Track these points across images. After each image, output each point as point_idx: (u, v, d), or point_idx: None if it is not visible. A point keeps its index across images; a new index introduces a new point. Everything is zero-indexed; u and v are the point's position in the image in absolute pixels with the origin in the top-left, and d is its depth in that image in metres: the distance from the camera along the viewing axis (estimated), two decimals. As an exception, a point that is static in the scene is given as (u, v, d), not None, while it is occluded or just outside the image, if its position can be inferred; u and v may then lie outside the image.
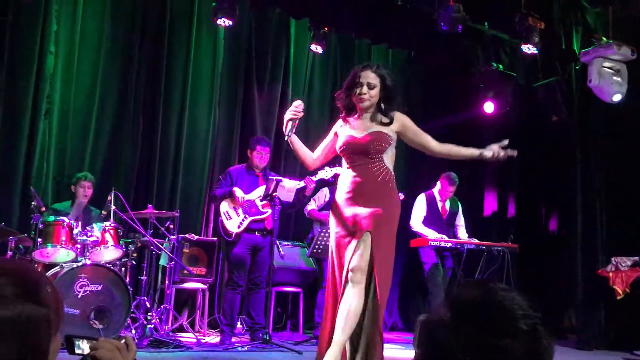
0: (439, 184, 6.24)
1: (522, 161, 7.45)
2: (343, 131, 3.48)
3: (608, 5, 6.24)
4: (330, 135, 3.59)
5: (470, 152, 3.49)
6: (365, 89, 3.37)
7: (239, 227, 5.26)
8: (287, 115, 3.47)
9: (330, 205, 3.53)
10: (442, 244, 5.81)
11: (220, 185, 5.45)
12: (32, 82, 5.54)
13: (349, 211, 3.31)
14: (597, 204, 6.32)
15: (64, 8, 5.82)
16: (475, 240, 6.01)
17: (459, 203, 6.38)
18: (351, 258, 3.20)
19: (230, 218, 5.28)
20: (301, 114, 3.47)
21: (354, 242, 3.24)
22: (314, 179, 5.12)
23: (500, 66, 6.98)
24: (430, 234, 5.96)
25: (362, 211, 3.26)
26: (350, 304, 3.16)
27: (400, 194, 6.07)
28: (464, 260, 5.79)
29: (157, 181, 6.18)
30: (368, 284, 3.20)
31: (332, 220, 3.43)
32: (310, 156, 3.59)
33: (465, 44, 6.87)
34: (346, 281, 3.21)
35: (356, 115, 3.48)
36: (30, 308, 0.91)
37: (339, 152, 3.47)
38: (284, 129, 3.49)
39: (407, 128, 3.46)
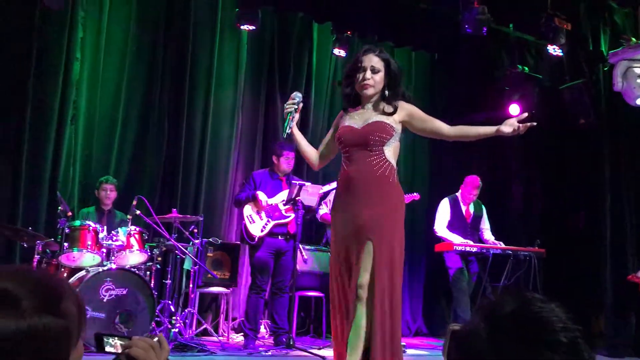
0: (462, 187, 6.17)
1: (548, 164, 7.35)
2: (344, 122, 3.16)
3: (637, 4, 6.12)
4: (333, 129, 3.27)
5: (487, 129, 3.17)
6: (368, 73, 3.06)
7: (262, 230, 5.25)
8: (285, 109, 3.17)
9: (332, 203, 3.27)
10: (467, 248, 5.73)
11: (244, 189, 5.46)
12: (59, 88, 5.62)
13: (347, 214, 3.00)
14: (626, 207, 6.19)
15: (90, 15, 5.90)
16: (501, 245, 5.92)
17: (482, 206, 6.30)
18: (358, 272, 2.89)
19: (254, 222, 5.28)
20: (298, 106, 3.15)
21: (359, 250, 2.92)
22: None
23: (526, 68, 6.89)
24: (455, 238, 5.88)
25: (362, 213, 2.94)
26: (361, 325, 2.86)
27: (415, 194, 6.08)
28: (489, 265, 5.71)
29: (181, 186, 6.22)
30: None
31: (333, 224, 3.16)
32: (315, 153, 3.28)
33: (490, 46, 6.80)
34: (355, 298, 2.90)
35: (359, 106, 3.16)
36: (48, 320, 0.89)
37: (337, 143, 3.16)
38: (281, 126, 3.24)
39: (414, 116, 3.12)
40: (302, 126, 6.88)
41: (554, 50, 6.27)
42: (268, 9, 6.48)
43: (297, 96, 3.17)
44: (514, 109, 6.96)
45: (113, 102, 6.05)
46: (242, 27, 6.16)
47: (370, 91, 3.08)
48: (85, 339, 1.04)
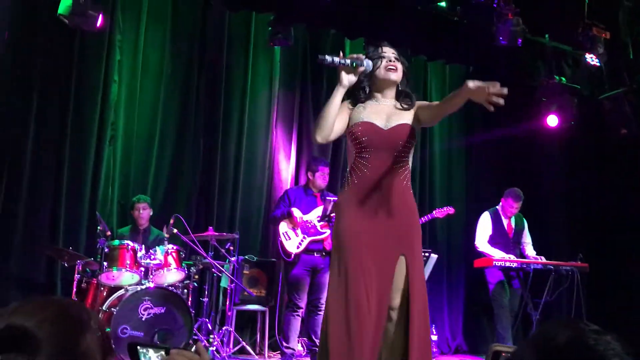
0: (503, 200, 6.04)
1: (590, 175, 7.17)
2: (360, 113, 2.82)
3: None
4: (342, 113, 2.83)
5: (457, 92, 2.68)
6: (392, 57, 2.88)
7: (297, 247, 5.24)
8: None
9: (339, 222, 2.80)
10: (507, 264, 5.60)
11: (279, 207, 5.46)
12: (97, 110, 5.74)
13: (373, 224, 2.70)
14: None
15: (127, 38, 6.03)
16: (543, 260, 5.77)
17: (524, 220, 6.15)
18: (388, 291, 2.63)
19: (289, 239, 5.27)
20: (357, 67, 2.74)
21: (389, 265, 2.67)
22: None
23: (563, 79, 6.76)
24: (497, 253, 5.75)
25: (393, 225, 2.70)
26: (397, 346, 2.66)
27: (449, 208, 5.97)
28: (530, 280, 5.57)
29: (217, 203, 6.26)
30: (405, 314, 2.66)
31: (351, 234, 2.72)
32: (333, 125, 2.75)
33: (526, 57, 6.70)
34: (388, 319, 2.66)
35: (373, 96, 2.89)
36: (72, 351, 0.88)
37: (351, 140, 2.80)
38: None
39: (421, 106, 2.90)
40: (336, 141, 6.88)
41: (592, 59, 6.14)
42: (300, 27, 6.52)
43: (366, 63, 2.78)
44: (551, 120, 6.83)
45: (150, 123, 6.14)
46: (275, 45, 6.21)
47: (394, 76, 2.86)
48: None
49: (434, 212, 5.87)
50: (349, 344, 2.57)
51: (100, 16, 5.11)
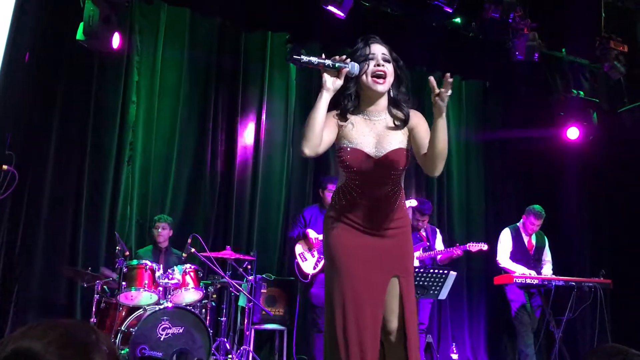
0: (524, 217, 5.96)
1: (612, 189, 7.07)
2: (349, 133, 2.55)
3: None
4: (330, 124, 2.54)
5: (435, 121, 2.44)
6: (381, 61, 2.50)
7: (314, 268, 5.22)
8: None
9: (329, 235, 2.60)
10: (528, 280, 5.51)
11: (295, 227, 5.46)
12: (116, 130, 5.81)
13: (366, 240, 2.54)
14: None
15: (145, 59, 6.10)
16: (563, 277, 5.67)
17: (545, 238, 6.07)
18: (380, 312, 2.49)
19: (306, 260, 5.26)
20: (341, 68, 2.45)
21: (382, 284, 2.52)
22: None
23: (581, 92, 6.70)
24: (519, 269, 5.67)
25: (385, 243, 2.55)
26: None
27: (483, 245, 5.85)
28: (552, 297, 5.47)
29: (235, 223, 6.26)
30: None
31: (341, 251, 2.54)
32: (320, 135, 2.45)
33: (543, 71, 6.66)
34: (386, 341, 2.55)
35: (361, 112, 2.58)
36: None
37: (340, 164, 2.57)
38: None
39: (418, 128, 2.56)
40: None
41: (610, 73, 6.08)
42: (316, 45, 6.55)
43: (352, 65, 2.46)
44: (572, 132, 6.76)
45: (168, 143, 6.19)
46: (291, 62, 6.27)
47: (382, 87, 2.51)
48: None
49: (467, 245, 5.75)
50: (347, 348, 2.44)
51: (116, 36, 5.18)
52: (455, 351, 6.41)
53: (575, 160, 7.39)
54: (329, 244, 2.58)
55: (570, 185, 7.49)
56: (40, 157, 5.43)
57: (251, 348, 5.39)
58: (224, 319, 5.15)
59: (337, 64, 2.42)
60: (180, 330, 4.60)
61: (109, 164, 5.76)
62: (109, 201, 5.72)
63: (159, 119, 6.16)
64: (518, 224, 6.01)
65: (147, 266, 4.82)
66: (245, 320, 5.47)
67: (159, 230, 5.45)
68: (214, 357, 4.90)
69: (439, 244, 5.93)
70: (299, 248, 5.31)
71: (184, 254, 5.12)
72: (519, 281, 5.49)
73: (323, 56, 2.45)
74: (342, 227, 2.56)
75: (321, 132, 2.44)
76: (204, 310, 5.08)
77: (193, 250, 5.02)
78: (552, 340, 5.71)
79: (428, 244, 5.81)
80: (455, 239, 6.79)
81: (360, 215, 2.55)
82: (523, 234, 5.96)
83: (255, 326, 5.54)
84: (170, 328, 4.57)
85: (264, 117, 6.57)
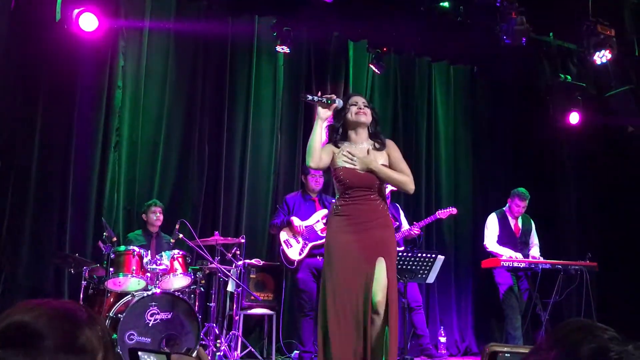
0: (509, 201, 6.01)
1: (598, 175, 7.12)
2: (341, 158, 3.44)
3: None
4: (328, 150, 3.47)
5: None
6: (362, 105, 3.49)
7: (300, 254, 5.25)
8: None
9: (329, 236, 3.46)
10: (515, 264, 5.56)
11: (279, 214, 5.47)
12: (102, 115, 5.76)
13: (357, 235, 3.34)
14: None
15: (130, 44, 6.04)
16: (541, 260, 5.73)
17: (531, 220, 6.12)
18: (370, 290, 3.23)
19: (291, 246, 5.29)
20: (331, 104, 3.39)
21: (370, 267, 3.27)
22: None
23: (569, 77, 6.72)
24: (506, 252, 5.72)
25: (372, 235, 3.34)
26: (380, 335, 3.23)
27: (452, 209, 5.92)
28: (539, 280, 5.53)
29: (223, 208, 6.25)
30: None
31: (336, 248, 3.37)
32: (320, 152, 3.40)
33: (531, 56, 6.67)
34: (374, 312, 3.24)
35: (350, 139, 3.50)
36: (67, 358, 0.87)
37: (336, 181, 3.46)
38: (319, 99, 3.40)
39: (390, 156, 3.51)
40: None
41: (598, 57, 6.10)
42: (303, 30, 6.51)
43: (338, 101, 3.43)
44: (573, 117, 6.75)
45: (154, 128, 6.14)
46: (278, 49, 6.22)
47: (363, 119, 3.46)
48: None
49: (436, 213, 5.83)
50: (340, 332, 3.20)
51: (92, 17, 5.13)
52: (443, 334, 6.46)
53: (563, 144, 7.43)
54: (328, 243, 3.42)
55: (558, 169, 7.53)
56: (25, 143, 5.38)
57: (240, 333, 5.41)
58: (212, 304, 5.16)
59: (329, 100, 3.38)
60: (169, 316, 4.60)
61: (95, 150, 5.71)
62: (95, 187, 5.68)
63: (145, 105, 6.11)
64: (504, 208, 6.06)
65: (135, 252, 4.80)
66: (234, 306, 5.48)
67: (157, 214, 5.43)
68: (203, 342, 4.92)
69: (404, 221, 5.95)
70: (283, 235, 5.34)
71: (172, 240, 5.11)
72: (507, 264, 5.54)
73: (320, 94, 3.46)
74: (337, 229, 3.39)
75: (320, 150, 3.38)
76: (192, 295, 5.08)
77: (181, 235, 5.01)
78: (539, 323, 5.78)
79: (397, 223, 5.82)
80: (442, 223, 6.83)
81: (352, 217, 3.36)
82: (509, 218, 6.01)
83: (244, 311, 5.56)
84: (158, 314, 4.58)
85: (252, 103, 6.53)
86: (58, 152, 5.58)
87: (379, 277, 3.25)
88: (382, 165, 3.44)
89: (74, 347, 0.88)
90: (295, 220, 5.29)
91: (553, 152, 7.51)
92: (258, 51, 6.65)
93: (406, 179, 3.45)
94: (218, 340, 5.02)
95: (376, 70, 6.74)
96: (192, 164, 6.23)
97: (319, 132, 3.37)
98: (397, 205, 6.09)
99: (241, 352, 5.38)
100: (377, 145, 3.49)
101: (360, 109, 3.47)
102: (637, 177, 6.73)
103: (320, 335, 3.28)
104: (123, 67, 5.95)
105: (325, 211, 5.35)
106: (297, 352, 5.52)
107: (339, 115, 3.47)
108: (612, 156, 6.89)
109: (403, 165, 3.48)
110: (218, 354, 4.83)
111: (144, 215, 5.51)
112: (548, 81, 6.74)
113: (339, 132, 3.49)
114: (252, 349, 5.48)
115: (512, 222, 6.01)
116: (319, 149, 3.36)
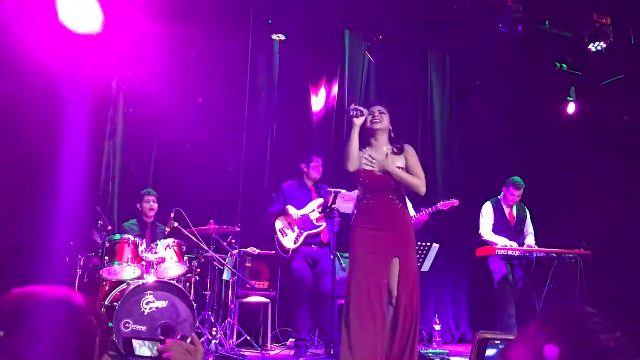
0: (504, 189, 6.02)
1: (594, 163, 7.13)
2: (363, 161, 3.83)
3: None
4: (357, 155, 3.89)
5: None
6: (377, 113, 3.87)
7: (295, 242, 5.26)
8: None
9: (353, 232, 3.77)
10: (510, 252, 5.58)
11: (275, 203, 5.47)
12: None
13: (378, 232, 3.69)
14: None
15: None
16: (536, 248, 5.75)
17: (526, 209, 6.13)
18: (388, 283, 3.62)
19: (286, 235, 5.29)
20: (362, 114, 3.81)
21: (387, 263, 3.65)
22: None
23: (564, 65, 6.71)
24: (502, 241, 5.74)
25: (391, 233, 3.69)
26: (399, 326, 3.59)
27: (453, 200, 5.94)
28: (533, 268, 5.55)
29: (219, 197, 6.24)
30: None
31: (357, 244, 3.71)
32: (357, 156, 3.79)
33: (526, 44, 6.65)
34: (392, 304, 3.63)
35: (369, 145, 3.89)
36: (66, 340, 0.88)
37: (358, 182, 3.84)
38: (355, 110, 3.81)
39: (408, 161, 3.85)
40: (337, 131, 6.85)
41: (593, 46, 6.09)
42: (298, 18, 6.48)
43: (366, 112, 3.84)
44: (570, 107, 6.75)
45: (149, 116, 6.11)
46: (273, 36, 6.19)
47: (378, 125, 3.85)
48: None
49: (438, 204, 5.84)
50: (360, 324, 3.54)
51: None
52: (438, 322, 6.49)
53: (558, 132, 7.43)
54: (353, 239, 3.75)
55: (553, 157, 7.54)
56: (16, 131, 5.34)
57: (235, 321, 5.42)
58: (208, 292, 5.16)
59: (360, 112, 3.80)
60: (164, 304, 4.61)
61: (90, 138, 5.68)
62: (89, 176, 5.65)
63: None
64: (499, 196, 6.07)
65: (130, 241, 4.80)
66: (230, 294, 5.49)
67: (150, 203, 5.42)
68: (199, 330, 4.93)
69: (411, 210, 5.98)
70: (278, 223, 5.34)
71: (167, 228, 5.11)
72: (501, 253, 5.56)
73: (357, 107, 3.84)
74: (359, 226, 3.74)
75: (357, 153, 3.77)
76: (188, 284, 5.09)
77: (176, 224, 5.01)
78: (533, 311, 5.81)
79: None
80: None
81: (372, 216, 3.73)
82: (504, 206, 6.02)
83: (240, 299, 5.57)
84: (154, 302, 4.58)
85: (247, 89, 6.50)
86: (50, 139, 5.54)
87: (395, 273, 3.63)
88: (399, 167, 3.78)
89: (73, 330, 0.89)
90: (291, 209, 5.30)
91: (548, 141, 7.51)
92: (253, 38, 6.60)
93: (418, 182, 3.79)
94: (214, 328, 5.03)
95: (372, 58, 6.72)
96: (188, 153, 6.21)
97: (355, 137, 3.76)
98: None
99: (236, 340, 5.40)
100: (395, 150, 3.86)
101: (375, 116, 3.84)
102: (632, 165, 6.74)
103: (343, 325, 3.62)
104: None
105: (320, 200, 5.35)
106: (293, 340, 5.54)
107: (363, 126, 3.84)
108: (607, 145, 6.90)
109: (418, 169, 3.83)
110: (214, 342, 4.84)
111: (138, 205, 5.50)
112: (543, 69, 6.73)
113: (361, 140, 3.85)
114: (248, 337, 5.49)
115: (506, 210, 6.02)
116: (356, 155, 3.76)
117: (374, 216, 3.73)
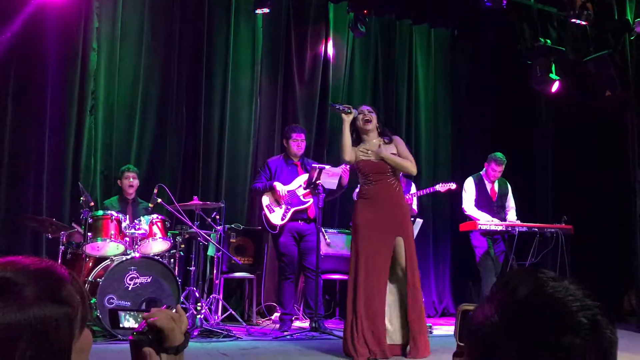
0: (486, 165, 6.06)
1: (575, 140, 7.19)
2: (359, 154, 4.35)
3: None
4: (353, 150, 4.39)
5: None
6: (367, 113, 4.39)
7: (282, 219, 5.25)
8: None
9: (356, 211, 4.32)
10: (492, 227, 5.63)
11: (260, 178, 5.44)
12: (76, 78, 5.64)
13: (378, 213, 4.21)
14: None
15: (105, 4, 5.89)
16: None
17: (508, 184, 6.18)
18: (389, 262, 4.18)
19: (273, 211, 5.28)
20: (350, 112, 4.33)
21: (389, 242, 4.19)
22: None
23: (549, 41, 6.70)
24: (484, 217, 5.79)
25: (390, 213, 4.23)
26: (400, 298, 4.24)
27: (451, 184, 5.99)
28: (515, 243, 5.61)
29: (202, 172, 6.21)
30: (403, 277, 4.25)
31: (360, 226, 4.23)
32: (351, 147, 4.32)
33: (511, 19, 6.64)
34: (400, 281, 4.24)
35: (361, 143, 4.39)
36: (50, 308, 0.87)
37: (358, 170, 4.37)
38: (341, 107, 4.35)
39: (397, 150, 4.38)
40: (321, 107, 6.82)
41: (577, 21, 6.08)
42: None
43: (354, 111, 4.35)
44: (554, 85, 6.75)
45: (131, 92, 6.04)
46: (257, 10, 6.11)
47: (369, 126, 4.37)
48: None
49: (436, 186, 5.89)
50: (366, 299, 4.08)
51: None
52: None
53: (542, 108, 7.47)
54: (355, 218, 4.30)
55: (535, 133, 7.59)
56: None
57: (220, 296, 5.44)
58: (192, 268, 5.17)
59: (349, 109, 4.34)
60: (148, 280, 4.61)
61: (71, 113, 5.62)
62: (72, 151, 5.60)
63: (121, 67, 5.99)
64: (481, 172, 6.11)
65: (113, 217, 4.78)
66: (215, 270, 5.50)
67: (130, 180, 5.36)
68: (184, 306, 4.94)
69: (413, 189, 6.07)
70: (265, 200, 5.32)
71: (150, 205, 5.08)
72: (484, 228, 5.61)
73: (344, 103, 4.70)
74: (362, 207, 4.29)
75: (351, 145, 4.31)
76: (172, 260, 5.09)
77: (159, 200, 4.98)
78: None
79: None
80: (421, 188, 6.86)
81: (372, 198, 4.28)
82: (486, 182, 6.06)
83: (225, 275, 5.59)
84: (138, 278, 4.58)
85: (230, 65, 6.43)
86: (33, 115, 5.47)
87: (397, 256, 4.19)
88: (392, 154, 4.30)
89: (56, 298, 0.88)
90: (278, 185, 5.27)
91: (531, 116, 7.55)
92: (236, 12, 6.52)
93: (409, 164, 4.34)
94: (198, 304, 5.05)
95: (355, 34, 6.67)
96: (170, 128, 6.17)
97: (346, 130, 4.30)
98: (411, 182, 6.18)
99: (222, 315, 5.43)
100: (386, 140, 4.40)
101: (365, 116, 4.36)
102: (613, 141, 6.81)
103: (350, 298, 4.15)
104: (97, 29, 5.81)
105: (306, 176, 5.33)
106: (278, 314, 5.58)
107: (353, 124, 4.35)
108: (589, 120, 6.95)
109: (407, 154, 4.39)
110: (199, 317, 4.86)
111: (119, 181, 5.45)
112: (528, 44, 6.73)
113: (352, 136, 4.36)
114: (233, 312, 5.52)
115: (488, 186, 6.07)
116: (350, 145, 4.30)
117: (375, 198, 4.25)
